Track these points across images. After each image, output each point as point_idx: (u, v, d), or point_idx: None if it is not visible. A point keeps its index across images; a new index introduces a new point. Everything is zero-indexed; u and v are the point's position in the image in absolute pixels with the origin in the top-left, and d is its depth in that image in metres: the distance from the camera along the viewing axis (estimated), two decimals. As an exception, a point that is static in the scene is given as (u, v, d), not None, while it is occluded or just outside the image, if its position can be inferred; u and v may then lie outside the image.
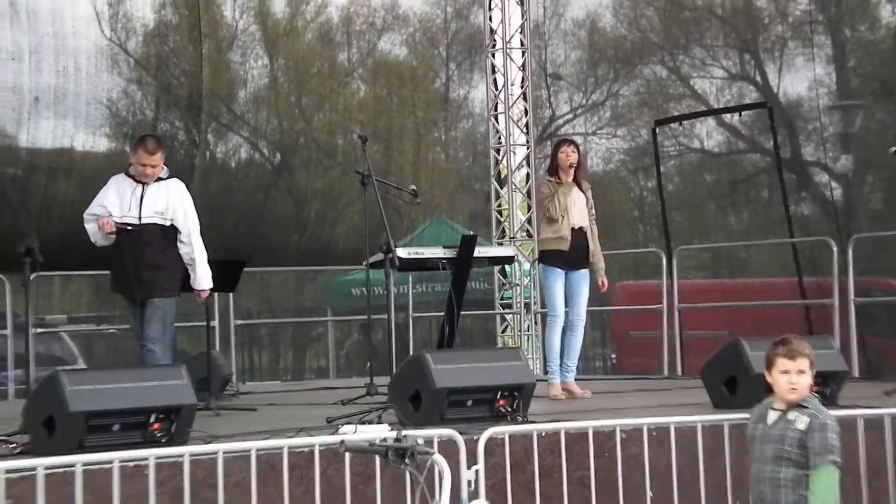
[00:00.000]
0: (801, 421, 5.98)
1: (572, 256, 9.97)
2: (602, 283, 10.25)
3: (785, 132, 22.24)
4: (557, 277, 9.99)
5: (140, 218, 8.89)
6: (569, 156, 10.07)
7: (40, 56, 14.78)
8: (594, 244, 10.10)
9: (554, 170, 10.14)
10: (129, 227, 8.87)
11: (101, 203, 8.95)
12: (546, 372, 10.15)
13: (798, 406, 6.03)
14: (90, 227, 8.94)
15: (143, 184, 8.95)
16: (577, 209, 9.96)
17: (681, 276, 14.09)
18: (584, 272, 10.09)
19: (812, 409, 6.01)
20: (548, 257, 10.06)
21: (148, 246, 8.92)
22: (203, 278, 9.21)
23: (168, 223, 8.99)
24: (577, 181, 10.08)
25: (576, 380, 10.28)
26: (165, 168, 9.09)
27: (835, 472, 5.88)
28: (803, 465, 5.94)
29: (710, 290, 17.39)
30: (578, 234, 9.94)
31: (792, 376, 6.00)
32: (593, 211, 10.20)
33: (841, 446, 6.01)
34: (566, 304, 10.07)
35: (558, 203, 9.89)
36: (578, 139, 21.38)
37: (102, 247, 8.99)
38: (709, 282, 18.56)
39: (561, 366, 10.08)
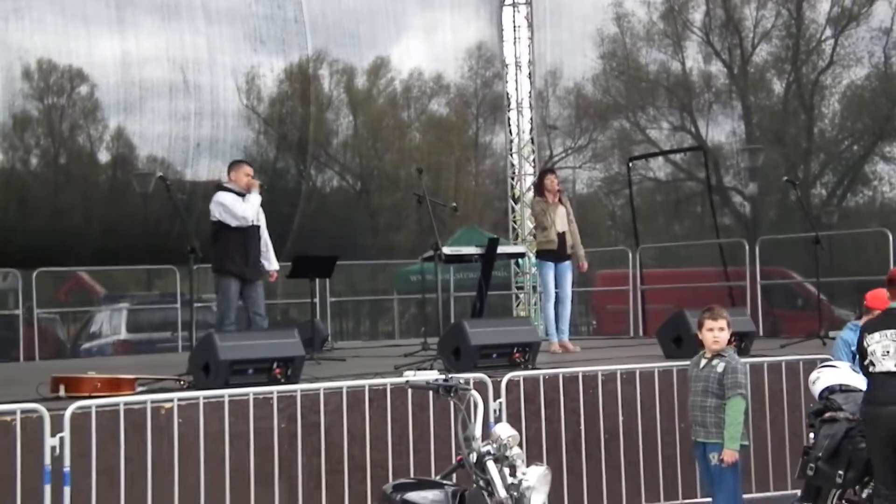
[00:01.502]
0: (720, 365, 6.02)
1: (559, 253, 9.87)
2: (581, 265, 10.12)
3: (712, 166, 22.13)
4: (549, 269, 9.89)
5: (250, 220, 8.58)
6: (553, 182, 9.99)
7: (201, 116, 14.90)
8: (574, 240, 10.00)
9: (541, 191, 10.03)
10: (265, 187, 8.60)
11: (233, 202, 8.52)
12: (546, 335, 10.06)
13: (719, 355, 6.05)
14: (226, 203, 8.46)
15: (245, 194, 8.62)
16: (560, 219, 9.87)
17: (642, 266, 14.03)
18: (568, 263, 9.98)
19: (728, 357, 6.04)
20: (542, 255, 9.98)
21: (254, 240, 8.66)
22: (275, 262, 8.95)
23: (258, 224, 8.72)
24: (558, 198, 9.99)
25: (569, 339, 10.22)
26: None
27: (741, 401, 5.93)
28: (721, 397, 5.97)
29: (665, 276, 17.28)
30: (561, 237, 9.86)
31: (715, 332, 6.04)
32: (572, 216, 10.08)
33: (747, 383, 6.01)
34: (557, 286, 9.99)
35: (548, 217, 9.82)
36: (568, 171, 21.40)
37: (221, 238, 8.48)
38: (664, 270, 18.43)
39: (557, 329, 10.02)
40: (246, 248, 8.56)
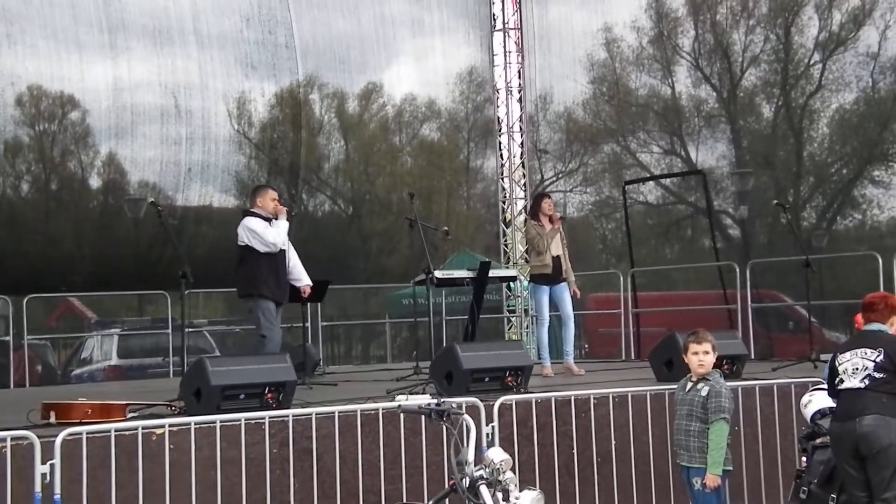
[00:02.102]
0: (704, 389, 6.01)
1: (553, 276, 9.88)
2: (574, 291, 10.14)
3: (701, 190, 22.22)
4: (543, 292, 9.89)
5: (279, 246, 8.59)
6: (550, 207, 10.00)
7: (193, 141, 14.92)
8: (566, 265, 10.01)
9: (535, 215, 10.02)
10: (294, 213, 8.61)
11: (263, 229, 8.49)
12: (539, 358, 10.04)
13: (704, 378, 6.04)
14: (257, 230, 8.45)
15: (272, 219, 8.63)
16: (555, 243, 9.88)
17: (634, 289, 14.05)
18: (564, 285, 9.98)
19: (713, 381, 6.03)
20: (536, 279, 9.98)
21: (283, 264, 8.70)
22: (307, 277, 8.96)
23: (284, 247, 8.72)
24: (552, 222, 9.99)
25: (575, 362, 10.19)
26: None
27: (725, 426, 5.92)
28: (705, 421, 5.96)
29: (657, 300, 17.26)
30: (556, 260, 9.86)
31: (700, 356, 6.04)
32: (565, 241, 10.10)
33: (732, 407, 5.99)
34: (557, 309, 9.97)
35: (545, 241, 9.82)
36: (559, 195, 21.44)
37: (250, 262, 8.46)
38: (656, 293, 18.42)
39: (563, 350, 10.01)
40: (277, 272, 8.59)
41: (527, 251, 10.05)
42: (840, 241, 20.64)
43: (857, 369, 5.57)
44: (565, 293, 9.97)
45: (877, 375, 5.48)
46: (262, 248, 8.49)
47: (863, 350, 5.59)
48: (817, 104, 21.18)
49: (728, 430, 5.92)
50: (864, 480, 5.46)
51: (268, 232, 8.51)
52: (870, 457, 5.41)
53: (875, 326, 5.72)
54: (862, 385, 5.52)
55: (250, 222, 8.58)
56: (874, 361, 5.51)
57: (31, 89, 15.04)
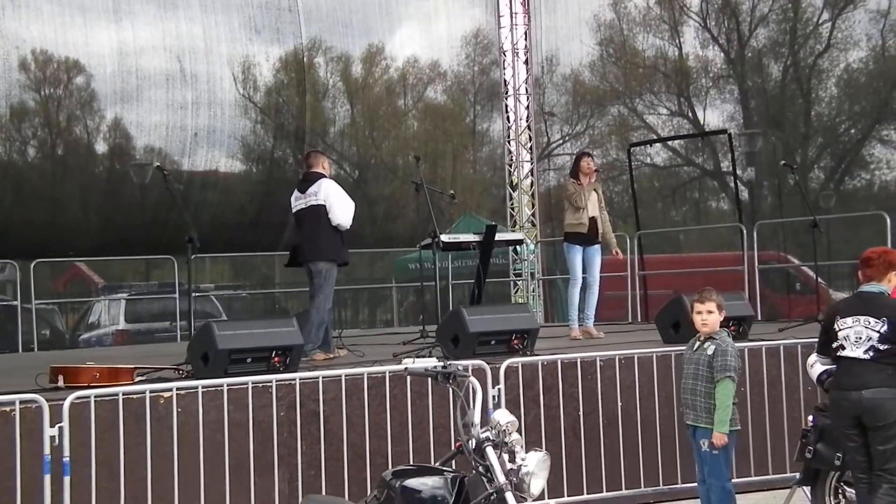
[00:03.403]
0: (710, 348, 6.01)
1: (588, 237, 9.78)
2: (615, 252, 10.07)
3: (709, 152, 22.12)
4: (577, 252, 9.79)
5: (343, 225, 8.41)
6: (590, 165, 9.91)
7: (198, 106, 14.87)
8: (605, 227, 9.93)
9: (576, 174, 9.94)
10: None
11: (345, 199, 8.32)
12: (568, 320, 9.99)
13: (710, 338, 6.04)
14: (342, 199, 8.33)
15: None
16: (592, 204, 9.80)
17: (641, 251, 14.01)
18: (597, 247, 9.90)
19: (719, 339, 6.02)
20: (571, 237, 9.88)
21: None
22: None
23: None
24: (592, 182, 9.91)
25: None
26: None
27: (731, 384, 5.90)
28: (711, 380, 5.95)
29: (664, 262, 17.18)
30: (592, 222, 9.77)
31: (703, 315, 6.02)
32: (603, 204, 10.04)
33: (738, 365, 5.97)
34: (584, 272, 9.93)
35: (582, 197, 9.72)
36: (565, 158, 21.35)
37: (324, 225, 8.30)
38: (663, 256, 18.35)
39: (583, 314, 9.98)
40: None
41: (566, 208, 9.88)
42: (848, 201, 20.55)
43: (860, 339, 5.47)
44: (596, 257, 9.91)
45: (881, 347, 5.39)
46: (333, 218, 8.25)
47: (866, 318, 5.48)
48: (826, 63, 20.99)
49: (734, 389, 5.91)
50: (863, 446, 5.43)
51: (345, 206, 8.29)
52: (874, 429, 5.38)
53: (874, 288, 5.61)
54: (867, 357, 5.42)
55: (336, 186, 8.40)
56: (879, 332, 5.41)
57: (35, 54, 14.98)
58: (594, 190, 9.88)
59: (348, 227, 8.42)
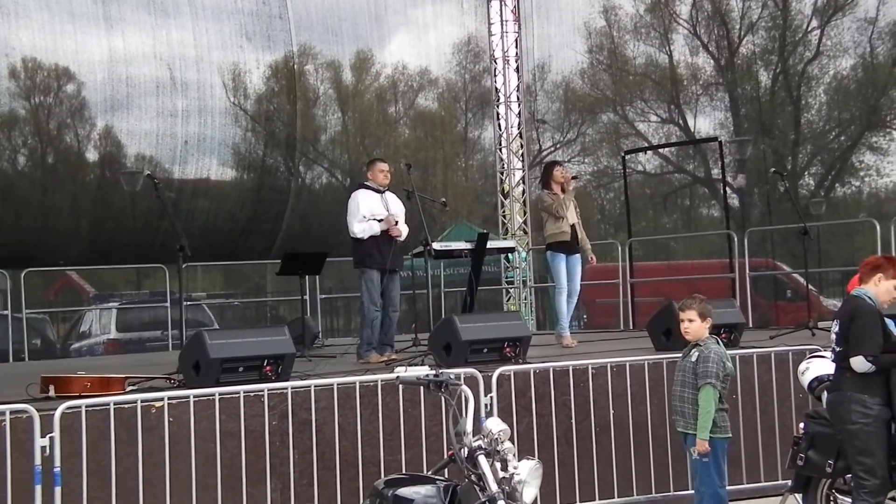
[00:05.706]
0: (694, 355, 6.04)
1: (570, 245, 9.77)
2: (591, 258, 10.09)
3: (700, 159, 22.19)
4: (561, 260, 9.75)
5: (356, 235, 8.59)
6: (562, 174, 9.88)
7: (189, 113, 14.87)
8: (582, 234, 9.93)
9: (547, 183, 9.90)
10: (396, 221, 8.66)
11: (367, 211, 8.55)
12: (559, 328, 9.99)
13: (696, 345, 6.05)
14: (362, 226, 8.52)
15: (383, 192, 8.71)
16: (570, 212, 9.80)
17: (632, 259, 14.02)
18: (578, 256, 9.87)
19: (703, 346, 6.04)
20: (553, 247, 9.86)
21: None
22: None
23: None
24: (563, 191, 9.90)
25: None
26: None
27: (711, 390, 5.94)
28: (695, 386, 5.95)
29: (655, 269, 17.23)
30: (572, 229, 9.79)
31: (685, 324, 6.05)
32: (578, 210, 10.03)
33: (720, 371, 5.98)
34: (567, 280, 9.91)
35: (562, 206, 9.70)
36: (556, 166, 21.36)
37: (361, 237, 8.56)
38: (654, 263, 18.40)
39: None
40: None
41: (546, 219, 9.86)
42: (838, 208, 20.65)
43: (831, 341, 5.63)
44: (577, 266, 9.89)
45: (837, 349, 5.49)
46: (350, 229, 8.55)
47: (835, 321, 5.61)
48: (815, 70, 21.11)
49: (715, 396, 5.91)
50: None
51: (356, 219, 8.52)
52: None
53: (857, 291, 5.67)
54: (833, 359, 5.58)
55: (356, 195, 8.65)
56: (835, 333, 5.52)
57: (25, 61, 14.95)
58: (571, 197, 9.86)
59: (358, 236, 8.57)
